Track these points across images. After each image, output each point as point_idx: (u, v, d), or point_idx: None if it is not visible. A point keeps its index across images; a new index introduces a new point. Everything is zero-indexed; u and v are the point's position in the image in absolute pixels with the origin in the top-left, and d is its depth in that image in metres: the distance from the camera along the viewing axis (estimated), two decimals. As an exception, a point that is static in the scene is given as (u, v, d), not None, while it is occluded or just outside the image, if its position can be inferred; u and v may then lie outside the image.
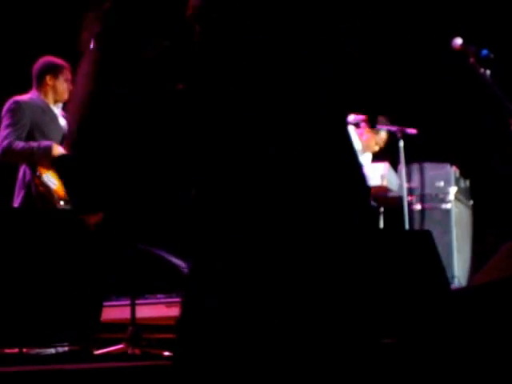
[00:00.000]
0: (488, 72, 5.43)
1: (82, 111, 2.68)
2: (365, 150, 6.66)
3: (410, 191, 6.61)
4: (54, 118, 5.37)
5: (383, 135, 6.59)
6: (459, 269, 6.66)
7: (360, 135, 6.63)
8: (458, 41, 5.51)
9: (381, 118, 6.55)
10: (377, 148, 6.65)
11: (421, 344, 3.26)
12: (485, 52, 5.43)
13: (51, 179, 5.19)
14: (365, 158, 6.64)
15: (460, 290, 4.91)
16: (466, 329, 3.24)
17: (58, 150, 5.23)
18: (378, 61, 7.54)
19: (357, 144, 6.64)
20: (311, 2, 2.37)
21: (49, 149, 5.19)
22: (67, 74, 5.42)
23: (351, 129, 6.66)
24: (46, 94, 5.37)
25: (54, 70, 5.39)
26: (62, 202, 5.17)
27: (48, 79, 5.37)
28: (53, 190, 5.18)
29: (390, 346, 3.35)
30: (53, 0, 7.24)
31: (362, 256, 2.30)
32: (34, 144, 5.18)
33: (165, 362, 3.70)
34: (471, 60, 5.45)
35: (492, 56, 5.40)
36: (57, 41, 6.75)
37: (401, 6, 7.56)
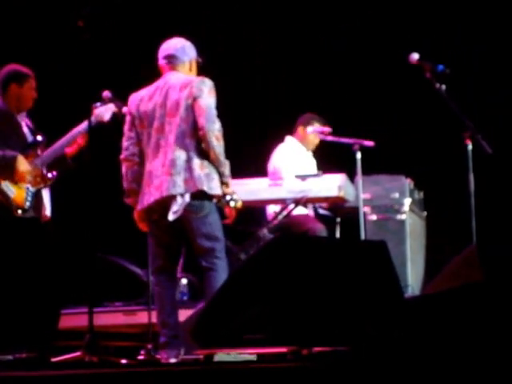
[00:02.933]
0: (444, 87, 5.52)
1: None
2: (308, 147, 6.86)
3: (366, 202, 6.67)
4: (17, 126, 5.27)
5: (310, 129, 6.79)
6: (413, 278, 6.73)
7: (297, 137, 6.82)
8: (415, 56, 5.60)
9: (314, 117, 6.78)
10: (316, 141, 6.82)
11: (375, 352, 3.31)
12: (441, 67, 5.52)
13: (10, 187, 5.14)
14: (311, 160, 6.81)
15: (413, 299, 4.98)
16: (419, 337, 3.30)
17: (23, 163, 5.14)
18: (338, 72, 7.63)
19: (300, 147, 6.80)
20: None
21: (13, 160, 5.11)
22: (32, 83, 5.31)
23: (290, 139, 6.81)
24: (9, 103, 5.26)
25: (19, 79, 5.28)
26: (19, 211, 5.13)
27: (13, 88, 5.26)
28: (11, 198, 5.13)
29: (344, 355, 3.40)
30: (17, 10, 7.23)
31: None
32: None
33: (122, 370, 3.71)
34: (427, 75, 5.54)
35: (448, 71, 5.50)
36: (20, 49, 6.72)
37: (358, 19, 7.66)
